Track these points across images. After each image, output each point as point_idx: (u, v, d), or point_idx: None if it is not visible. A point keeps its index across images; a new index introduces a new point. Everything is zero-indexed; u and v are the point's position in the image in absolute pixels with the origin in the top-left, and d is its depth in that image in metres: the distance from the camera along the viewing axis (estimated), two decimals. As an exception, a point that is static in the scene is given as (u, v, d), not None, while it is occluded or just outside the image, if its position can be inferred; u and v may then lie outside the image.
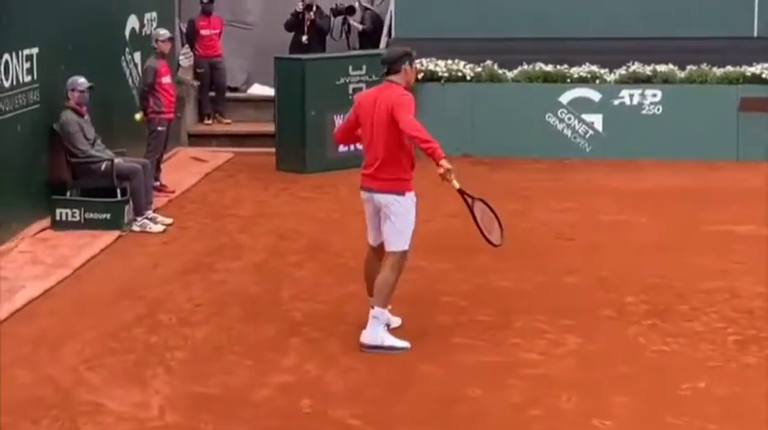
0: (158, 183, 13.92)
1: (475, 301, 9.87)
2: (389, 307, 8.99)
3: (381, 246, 8.77)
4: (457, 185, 8.53)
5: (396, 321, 9.08)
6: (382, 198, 8.57)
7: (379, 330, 8.66)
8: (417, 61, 15.98)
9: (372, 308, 8.68)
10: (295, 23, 17.87)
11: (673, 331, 9.08)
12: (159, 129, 13.86)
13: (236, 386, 8.02)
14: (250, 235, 12.32)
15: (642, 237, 12.15)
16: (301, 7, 17.80)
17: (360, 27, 18.06)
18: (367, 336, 8.67)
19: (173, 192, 14.05)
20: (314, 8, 17.86)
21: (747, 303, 9.76)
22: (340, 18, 18.30)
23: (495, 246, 8.80)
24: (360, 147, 8.94)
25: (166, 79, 13.92)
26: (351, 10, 18.27)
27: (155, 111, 13.81)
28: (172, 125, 14.40)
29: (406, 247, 8.67)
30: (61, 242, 11.74)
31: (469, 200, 8.66)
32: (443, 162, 8.34)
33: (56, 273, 10.66)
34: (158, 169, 14.03)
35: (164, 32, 14.17)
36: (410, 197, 8.63)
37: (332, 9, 18.31)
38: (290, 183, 14.82)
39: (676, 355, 8.59)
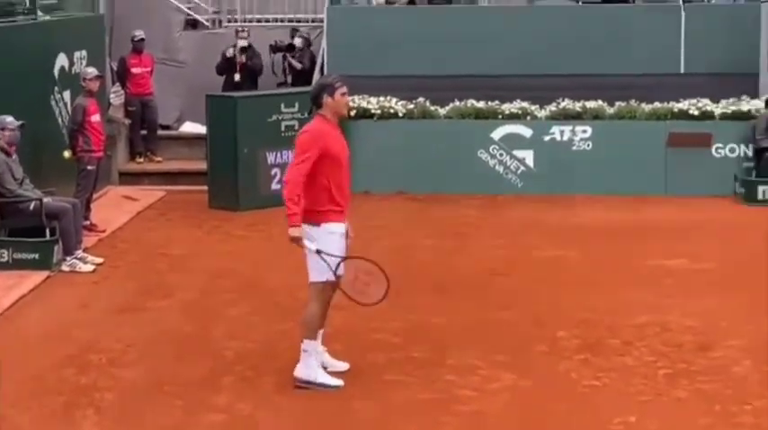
0: (88, 223, 13.79)
1: (408, 338, 9.86)
2: (326, 349, 8.95)
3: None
4: (313, 247, 8.45)
5: (340, 365, 8.97)
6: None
7: (311, 364, 8.63)
8: (350, 98, 16.17)
9: (302, 341, 8.64)
10: (227, 67, 17.83)
11: (604, 366, 9.13)
12: (89, 167, 13.76)
13: (168, 426, 7.95)
14: (182, 274, 12.23)
15: (574, 272, 12.22)
16: (232, 53, 17.72)
17: (299, 66, 18.05)
18: (300, 370, 8.65)
19: (103, 231, 13.93)
20: (248, 49, 17.83)
21: (678, 337, 9.84)
22: (280, 55, 18.24)
23: (374, 303, 8.60)
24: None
25: (95, 118, 13.83)
26: (291, 48, 18.26)
27: (84, 149, 13.71)
28: (102, 164, 14.30)
29: (323, 279, 8.56)
30: (-11, 283, 11.59)
31: (330, 260, 8.45)
32: (291, 231, 8.36)
33: (-16, 315, 10.51)
34: (88, 208, 13.90)
35: (91, 71, 14.08)
36: (326, 229, 8.54)
37: (271, 46, 18.27)
38: (223, 221, 14.75)
39: (608, 390, 8.64)
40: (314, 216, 8.50)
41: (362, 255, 11.24)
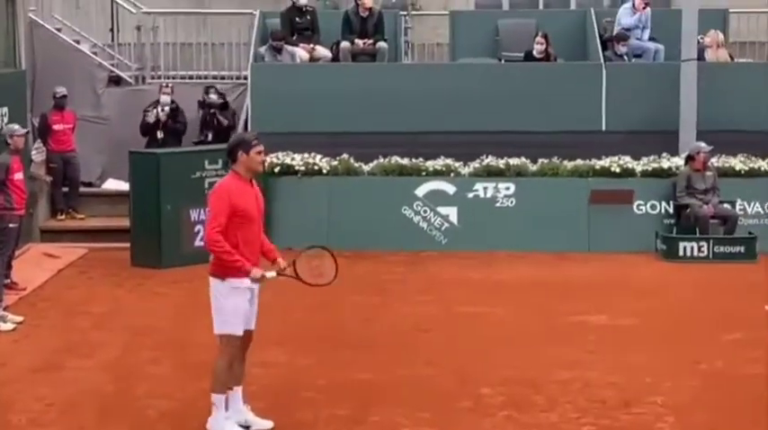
0: (9, 281, 13.60)
1: (333, 395, 9.82)
2: (249, 406, 8.88)
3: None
4: (273, 275, 8.63)
5: (264, 424, 8.91)
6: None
7: (218, 417, 8.60)
8: (273, 155, 16.20)
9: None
10: (149, 130, 17.74)
11: (529, 422, 9.15)
12: (11, 225, 13.56)
13: (88, 488, 7.82)
14: (104, 332, 12.09)
15: (498, 328, 12.26)
16: (153, 118, 17.61)
17: (225, 122, 18.01)
18: (210, 424, 8.64)
19: (24, 289, 13.75)
20: (173, 111, 17.77)
21: (601, 393, 9.89)
22: (205, 111, 18.13)
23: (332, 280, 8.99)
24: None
25: (19, 175, 13.67)
26: (224, 105, 18.22)
27: (5, 207, 13.51)
28: (23, 221, 14.13)
29: (226, 331, 8.56)
30: None
31: (289, 271, 8.74)
32: (252, 274, 8.51)
33: None
34: (9, 266, 13.72)
35: (17, 127, 13.92)
36: (230, 283, 8.54)
37: (200, 102, 18.20)
38: (146, 279, 14.62)
39: (533, 446, 8.65)
40: (220, 271, 8.54)
41: (285, 311, 11.19)
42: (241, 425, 8.79)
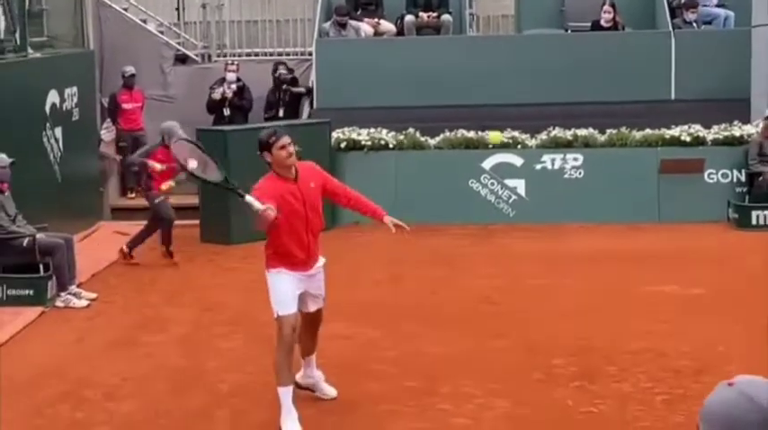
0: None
1: (402, 368, 9.83)
2: (322, 374, 9.01)
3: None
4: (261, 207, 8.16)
5: (329, 391, 9.02)
6: None
7: (282, 414, 8.45)
8: (339, 130, 16.22)
9: None
10: (215, 108, 17.84)
11: (601, 392, 9.11)
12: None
13: (164, 460, 7.90)
14: (175, 307, 12.20)
15: (568, 300, 12.20)
16: (219, 95, 17.70)
17: (303, 90, 18.05)
18: (281, 422, 8.56)
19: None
20: (239, 89, 17.85)
21: (674, 362, 9.82)
22: (279, 87, 18.19)
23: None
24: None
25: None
26: (294, 81, 18.27)
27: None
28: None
29: (274, 314, 8.52)
30: (-18, 320, 11.55)
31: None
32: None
33: (-23, 352, 10.47)
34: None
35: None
36: (270, 274, 8.52)
37: (275, 77, 18.25)
38: (215, 255, 14.72)
39: (604, 417, 8.61)
40: (268, 261, 8.51)
41: (353, 286, 11.20)
42: (309, 388, 8.95)
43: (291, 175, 8.56)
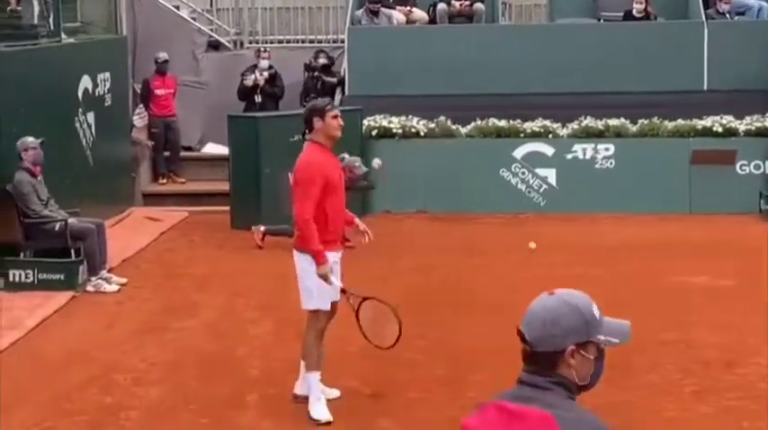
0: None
1: (432, 356, 9.84)
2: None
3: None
4: (338, 286, 8.39)
5: (331, 393, 8.85)
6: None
7: (312, 400, 8.50)
8: (371, 118, 16.24)
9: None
10: (246, 94, 17.84)
11: (631, 383, 9.07)
12: None
13: (192, 445, 7.94)
14: (205, 293, 12.25)
15: (597, 289, 12.02)
16: (251, 82, 17.69)
17: (334, 80, 18.06)
18: (298, 387, 8.72)
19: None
20: (271, 76, 17.85)
21: (703, 353, 9.79)
22: (309, 75, 18.19)
23: (386, 347, 8.32)
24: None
25: None
26: (326, 68, 18.28)
27: None
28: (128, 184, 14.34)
29: (311, 307, 8.55)
30: (14, 303, 11.62)
31: (353, 300, 8.36)
32: (320, 269, 8.32)
33: (9, 335, 10.54)
34: None
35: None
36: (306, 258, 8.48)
37: (306, 65, 18.27)
38: (245, 241, 14.74)
39: (634, 407, 8.59)
40: (306, 245, 8.43)
41: (384, 274, 11.19)
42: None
43: (330, 149, 8.61)
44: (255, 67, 18.00)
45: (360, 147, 15.43)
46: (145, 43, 18.87)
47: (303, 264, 8.47)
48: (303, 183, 8.39)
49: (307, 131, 8.60)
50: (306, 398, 8.55)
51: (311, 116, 8.53)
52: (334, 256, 8.53)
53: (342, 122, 8.68)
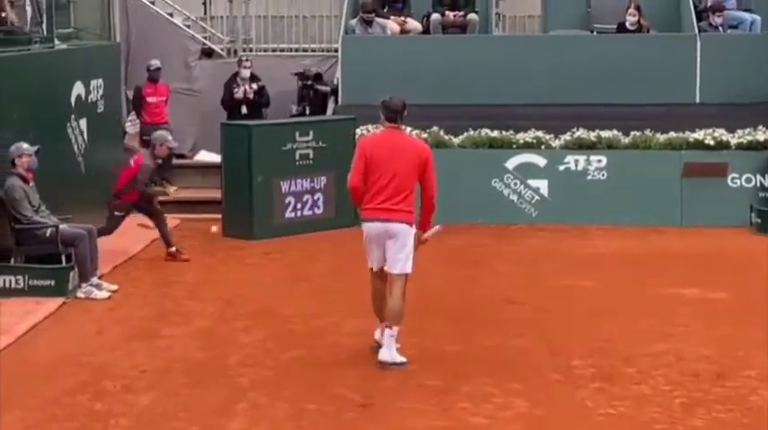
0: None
1: (422, 365, 9.83)
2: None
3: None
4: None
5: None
6: (399, 227, 9.82)
7: (393, 348, 9.74)
8: (364, 127, 16.25)
9: (391, 328, 9.76)
10: (231, 105, 17.78)
11: (620, 394, 9.09)
12: None
13: (182, 453, 7.92)
14: (196, 301, 12.23)
15: (588, 301, 12.19)
16: (241, 95, 17.65)
17: (327, 89, 18.08)
18: (387, 355, 9.74)
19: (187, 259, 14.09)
20: (260, 92, 17.83)
21: (693, 366, 9.80)
22: (304, 83, 18.19)
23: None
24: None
25: None
26: (318, 77, 18.31)
27: None
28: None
29: (410, 271, 9.99)
30: (4, 309, 11.59)
31: None
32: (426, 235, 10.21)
33: (-2, 341, 10.52)
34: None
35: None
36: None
37: (298, 74, 18.27)
38: (238, 250, 14.75)
39: (623, 418, 8.60)
40: (412, 216, 10.04)
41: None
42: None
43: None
44: (237, 75, 17.89)
45: (353, 156, 15.39)
46: (138, 50, 18.87)
47: (409, 232, 9.88)
48: (432, 162, 10.08)
49: (399, 119, 10.15)
50: (390, 364, 9.71)
51: (405, 107, 10.14)
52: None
53: None
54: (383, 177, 9.83)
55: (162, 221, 14.33)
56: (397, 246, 9.81)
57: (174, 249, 14.15)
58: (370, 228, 9.87)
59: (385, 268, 9.91)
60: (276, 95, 18.14)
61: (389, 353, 9.73)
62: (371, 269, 10.02)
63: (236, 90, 17.80)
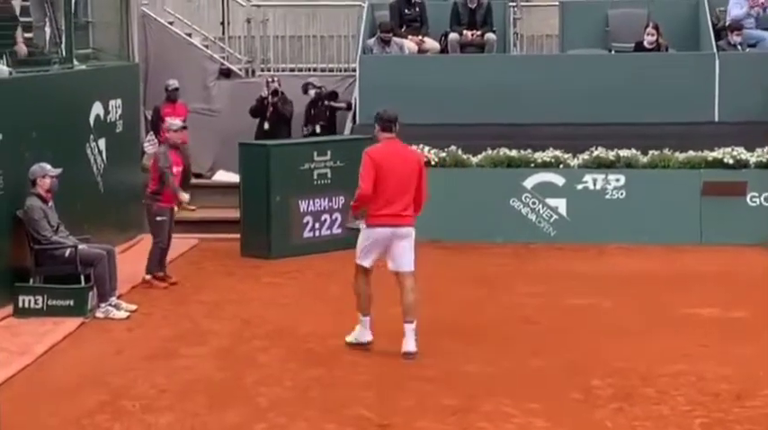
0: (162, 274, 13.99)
1: (441, 385, 9.81)
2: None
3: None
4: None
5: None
6: (406, 230, 10.66)
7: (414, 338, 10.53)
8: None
9: (411, 322, 10.55)
10: (260, 109, 17.94)
11: (639, 414, 9.05)
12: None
13: (201, 473, 7.92)
14: (215, 320, 12.24)
15: (607, 320, 12.15)
16: (266, 92, 17.86)
17: (344, 105, 18.15)
18: (413, 346, 10.51)
19: (175, 283, 13.94)
20: (279, 94, 17.92)
21: (713, 386, 9.76)
22: (315, 103, 18.27)
23: None
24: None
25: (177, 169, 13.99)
26: (333, 95, 18.37)
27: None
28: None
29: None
30: (23, 329, 11.64)
31: None
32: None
33: (17, 361, 10.54)
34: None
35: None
36: None
37: (316, 93, 18.33)
38: (255, 269, 14.76)
39: (643, 439, 8.57)
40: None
41: (392, 302, 11.17)
42: None
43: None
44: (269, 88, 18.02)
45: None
46: (157, 70, 18.94)
47: (413, 234, 10.78)
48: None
49: (395, 128, 10.92)
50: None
51: (397, 118, 10.99)
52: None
53: None
54: (392, 186, 10.58)
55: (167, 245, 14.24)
56: (407, 247, 10.66)
57: (149, 277, 13.93)
58: (378, 233, 10.63)
59: (389, 267, 10.71)
60: (294, 115, 18.18)
61: (414, 343, 10.52)
62: (361, 267, 10.69)
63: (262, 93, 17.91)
